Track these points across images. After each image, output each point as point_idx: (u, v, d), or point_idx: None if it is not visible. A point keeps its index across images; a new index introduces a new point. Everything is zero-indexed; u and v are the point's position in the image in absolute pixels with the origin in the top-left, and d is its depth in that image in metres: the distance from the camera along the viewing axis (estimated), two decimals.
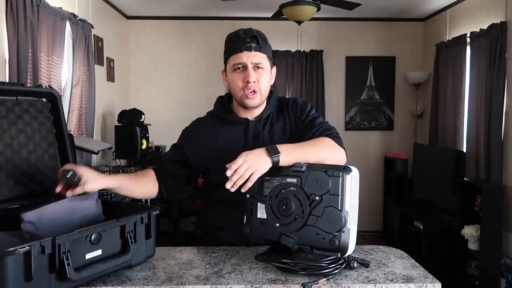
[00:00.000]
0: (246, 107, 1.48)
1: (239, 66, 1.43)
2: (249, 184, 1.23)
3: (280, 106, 1.55)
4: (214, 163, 1.49)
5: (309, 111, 1.52)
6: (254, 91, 1.44)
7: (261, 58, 1.44)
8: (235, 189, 1.23)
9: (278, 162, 1.25)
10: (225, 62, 1.49)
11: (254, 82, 1.43)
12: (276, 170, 1.26)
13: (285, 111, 1.54)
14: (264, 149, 1.25)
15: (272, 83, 1.52)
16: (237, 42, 1.43)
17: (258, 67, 1.44)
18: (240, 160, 1.22)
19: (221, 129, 1.52)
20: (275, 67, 1.54)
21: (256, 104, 1.47)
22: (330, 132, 1.44)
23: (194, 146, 1.54)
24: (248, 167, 1.21)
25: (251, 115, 1.51)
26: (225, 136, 1.51)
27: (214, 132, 1.52)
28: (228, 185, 1.21)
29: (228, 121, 1.52)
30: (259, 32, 1.47)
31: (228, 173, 1.22)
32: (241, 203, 1.30)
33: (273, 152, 1.25)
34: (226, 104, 1.56)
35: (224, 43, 1.50)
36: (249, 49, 1.42)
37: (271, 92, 1.55)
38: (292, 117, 1.52)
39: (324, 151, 1.36)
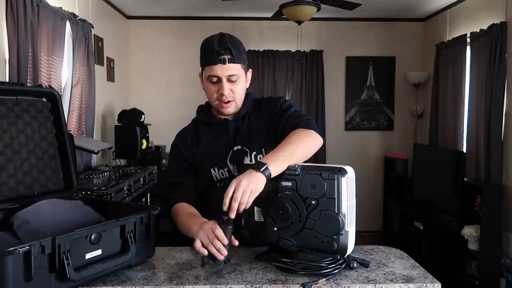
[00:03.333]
0: (222, 114, 1.56)
1: (213, 78, 1.47)
2: (247, 206, 1.21)
3: (257, 106, 1.62)
4: (201, 162, 1.56)
5: (282, 103, 1.57)
6: (228, 101, 1.50)
7: (234, 69, 1.47)
8: (235, 215, 1.21)
9: (270, 174, 1.23)
10: (202, 67, 1.53)
11: (229, 93, 1.48)
12: None
13: (260, 109, 1.60)
14: (251, 169, 1.24)
15: (247, 86, 1.58)
16: (211, 54, 1.45)
17: (232, 80, 1.47)
18: (231, 189, 1.20)
19: (204, 131, 1.59)
20: (250, 70, 1.58)
21: (231, 112, 1.54)
22: (300, 119, 1.47)
23: (185, 150, 1.59)
24: (244, 191, 1.19)
25: (228, 115, 1.57)
26: (208, 136, 1.58)
27: (197, 134, 1.59)
28: (225, 208, 1.20)
29: (209, 123, 1.60)
30: (232, 41, 1.48)
31: (225, 206, 1.20)
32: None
33: (260, 167, 1.23)
34: (206, 109, 1.63)
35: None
36: (223, 61, 1.44)
37: (248, 93, 1.61)
38: (267, 112, 1.58)
39: (303, 145, 1.36)
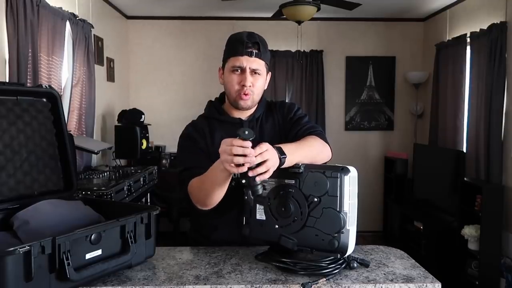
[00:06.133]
0: (238, 108, 1.54)
1: (238, 68, 1.48)
2: (267, 176, 1.17)
3: (269, 108, 1.63)
4: (213, 161, 1.49)
5: (296, 111, 1.61)
6: (247, 94, 1.49)
7: (259, 64, 1.49)
8: (255, 174, 1.16)
9: (282, 164, 1.23)
10: (224, 61, 1.54)
11: (250, 86, 1.48)
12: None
13: (273, 112, 1.61)
14: (276, 152, 1.22)
15: (265, 88, 1.58)
16: (239, 45, 1.47)
17: (255, 72, 1.49)
18: (265, 146, 1.17)
19: (217, 128, 1.56)
20: (270, 73, 1.60)
21: (248, 106, 1.53)
22: (315, 130, 1.52)
23: (201, 140, 1.55)
24: (269, 159, 1.16)
25: (243, 115, 1.57)
26: (221, 135, 1.53)
27: (210, 131, 1.56)
28: (255, 159, 1.14)
29: (223, 121, 1.57)
30: (261, 38, 1.51)
31: (254, 156, 1.13)
32: (233, 200, 1.30)
33: (281, 155, 1.22)
34: (218, 106, 1.61)
35: (225, 42, 1.54)
36: (250, 54, 1.46)
37: (261, 95, 1.62)
38: (279, 117, 1.60)
39: (315, 149, 1.41)
